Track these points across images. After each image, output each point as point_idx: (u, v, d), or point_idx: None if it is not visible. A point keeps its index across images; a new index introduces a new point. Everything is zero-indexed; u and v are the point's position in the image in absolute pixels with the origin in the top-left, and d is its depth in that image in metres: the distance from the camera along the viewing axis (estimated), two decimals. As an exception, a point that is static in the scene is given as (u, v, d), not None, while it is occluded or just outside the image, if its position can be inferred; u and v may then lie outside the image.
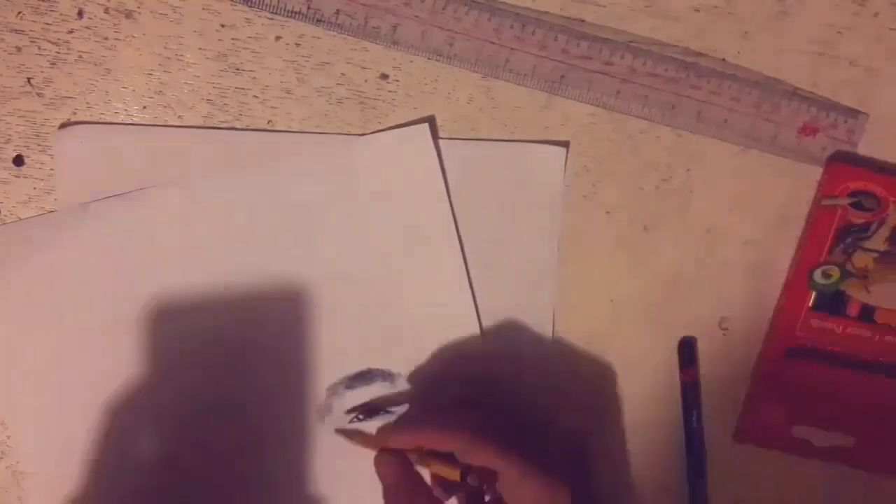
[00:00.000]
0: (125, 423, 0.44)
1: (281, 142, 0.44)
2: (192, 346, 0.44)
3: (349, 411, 0.45)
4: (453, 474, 0.39)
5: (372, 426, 0.45)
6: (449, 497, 0.41)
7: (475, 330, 0.44)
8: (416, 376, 0.45)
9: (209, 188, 0.43)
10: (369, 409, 0.44)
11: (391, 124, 0.44)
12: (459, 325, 0.44)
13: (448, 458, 0.40)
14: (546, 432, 0.41)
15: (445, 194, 0.43)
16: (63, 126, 0.44)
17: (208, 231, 0.44)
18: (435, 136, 0.43)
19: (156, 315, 0.44)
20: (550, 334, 0.44)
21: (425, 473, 0.42)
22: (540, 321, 0.44)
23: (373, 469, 0.42)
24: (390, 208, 0.44)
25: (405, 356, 0.44)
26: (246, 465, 0.45)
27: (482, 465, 0.38)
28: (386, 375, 0.44)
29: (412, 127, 0.43)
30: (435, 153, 0.43)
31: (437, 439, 0.40)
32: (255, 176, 0.43)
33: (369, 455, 0.42)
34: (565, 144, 0.44)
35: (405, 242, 0.44)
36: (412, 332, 0.44)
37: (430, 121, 0.43)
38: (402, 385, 0.45)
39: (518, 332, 0.44)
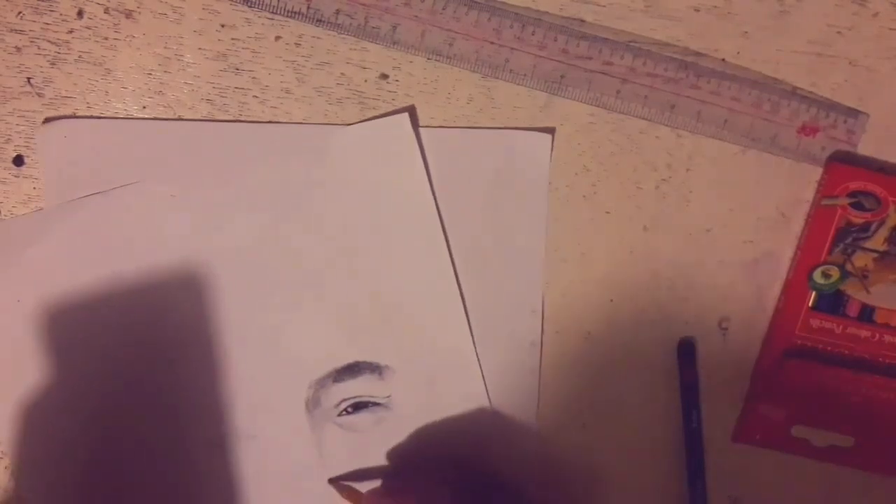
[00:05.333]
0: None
1: (262, 133, 0.44)
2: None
3: (337, 404, 0.45)
4: None
5: (360, 420, 0.45)
6: None
7: (462, 319, 0.44)
8: (405, 370, 0.45)
9: (192, 183, 0.43)
10: (357, 403, 0.45)
11: (391, 124, 0.44)
12: (445, 314, 0.44)
13: None
14: None
15: (427, 184, 0.43)
16: (48, 121, 0.44)
17: (191, 226, 0.44)
18: (416, 125, 0.43)
19: (128, 308, 0.44)
20: (540, 323, 0.44)
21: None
22: (529, 309, 0.44)
23: (366, 461, 0.42)
24: (372, 199, 0.44)
25: (392, 348, 0.44)
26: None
27: None
28: (374, 368, 0.44)
29: (392, 117, 0.43)
30: (416, 143, 0.43)
31: None
32: (239, 169, 0.43)
33: (359, 446, 0.43)
34: (551, 131, 0.44)
35: (388, 233, 0.44)
36: (399, 324, 0.44)
37: (411, 110, 0.43)
38: (390, 377, 0.45)
39: (507, 324, 0.45)
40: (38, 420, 0.44)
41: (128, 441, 0.45)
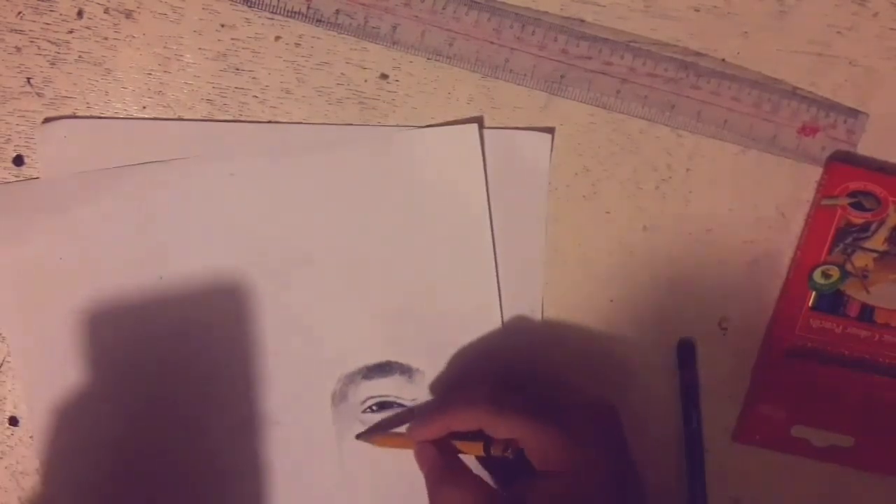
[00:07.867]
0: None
1: (309, 134, 0.44)
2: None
3: (363, 401, 0.45)
4: (477, 449, 0.40)
5: (383, 418, 0.45)
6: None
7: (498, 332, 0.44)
8: (436, 375, 0.45)
9: (247, 169, 0.43)
10: (383, 402, 0.45)
11: (391, 124, 0.44)
12: (483, 328, 0.44)
13: (470, 436, 0.40)
14: (573, 400, 0.41)
15: (485, 196, 0.43)
16: (48, 121, 0.44)
17: (241, 211, 0.44)
18: (481, 135, 0.43)
19: (164, 289, 0.44)
20: (539, 321, 0.45)
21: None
22: (529, 309, 0.44)
23: (385, 455, 0.43)
24: (428, 203, 0.44)
25: (426, 353, 0.44)
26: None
27: (509, 435, 0.39)
28: (405, 370, 0.44)
29: (462, 126, 0.43)
30: (480, 154, 0.43)
31: (461, 419, 0.40)
32: (291, 163, 0.43)
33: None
34: (551, 131, 0.44)
35: (439, 239, 0.44)
36: (436, 330, 0.44)
37: (480, 121, 0.43)
38: (420, 381, 0.44)
39: (508, 322, 0.45)
40: (71, 401, 0.44)
41: (157, 421, 0.45)
